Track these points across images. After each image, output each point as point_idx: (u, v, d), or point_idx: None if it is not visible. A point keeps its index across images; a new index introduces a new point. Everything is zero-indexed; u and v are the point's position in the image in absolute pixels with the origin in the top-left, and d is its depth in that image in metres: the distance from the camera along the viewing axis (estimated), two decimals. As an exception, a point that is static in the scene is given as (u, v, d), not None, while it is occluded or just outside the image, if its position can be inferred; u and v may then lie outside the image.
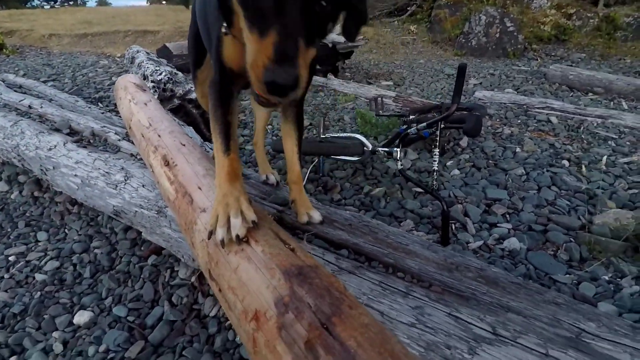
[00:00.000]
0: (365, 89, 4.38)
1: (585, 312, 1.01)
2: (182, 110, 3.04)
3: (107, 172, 1.56)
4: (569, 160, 2.80)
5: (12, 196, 2.02)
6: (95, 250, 1.62)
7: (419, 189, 2.31)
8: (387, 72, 5.80)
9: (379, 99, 2.99)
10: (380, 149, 2.33)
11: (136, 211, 1.44)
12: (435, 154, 2.10)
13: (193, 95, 2.92)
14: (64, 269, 1.54)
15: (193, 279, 1.41)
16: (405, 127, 2.55)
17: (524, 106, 4.03)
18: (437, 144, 2.10)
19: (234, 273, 0.71)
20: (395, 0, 9.36)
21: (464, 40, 7.15)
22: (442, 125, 2.46)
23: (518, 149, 3.00)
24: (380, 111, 3.04)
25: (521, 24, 7.16)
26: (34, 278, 1.50)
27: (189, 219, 0.95)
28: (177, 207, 1.03)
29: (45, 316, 1.33)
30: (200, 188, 1.01)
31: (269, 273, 0.66)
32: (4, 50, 7.53)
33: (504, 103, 4.15)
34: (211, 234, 0.85)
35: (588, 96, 4.54)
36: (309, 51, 0.73)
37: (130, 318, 1.32)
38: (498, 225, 2.04)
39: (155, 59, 3.81)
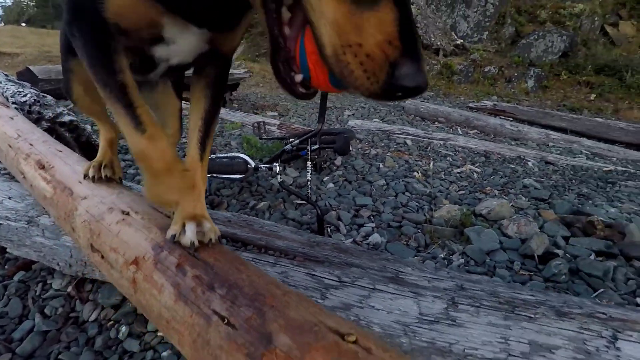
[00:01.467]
0: (251, 118, 4.67)
1: (405, 262, 1.37)
2: (54, 135, 2.84)
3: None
4: (418, 172, 3.46)
5: None
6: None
7: (300, 201, 2.61)
8: (273, 104, 6.24)
9: (262, 123, 3.30)
10: (261, 165, 2.58)
11: (1, 224, 1.38)
12: (308, 167, 2.43)
13: (65, 118, 2.78)
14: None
15: (70, 288, 1.40)
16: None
17: (387, 132, 4.79)
18: (309, 159, 2.44)
19: (116, 237, 0.84)
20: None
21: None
22: (317, 146, 2.85)
23: (381, 165, 3.58)
24: (264, 135, 3.33)
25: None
26: None
27: (69, 208, 1.02)
28: (56, 201, 1.08)
29: None
30: (80, 182, 1.08)
31: (147, 230, 0.81)
32: None
33: (372, 130, 4.88)
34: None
35: (435, 124, 5.62)
36: None
37: (-4, 332, 1.25)
38: (364, 225, 2.44)
39: (16, 81, 3.49)
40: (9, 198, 1.42)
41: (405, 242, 2.29)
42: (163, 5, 0.65)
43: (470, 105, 6.66)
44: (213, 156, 2.85)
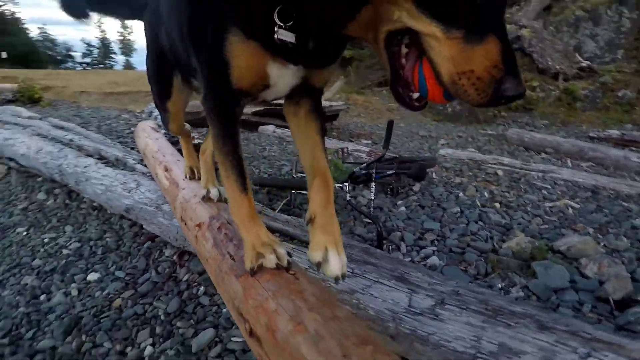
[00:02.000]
0: (344, 145, 5.12)
1: (418, 268, 1.56)
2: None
3: (124, 182, 2.20)
4: (500, 202, 3.38)
5: (48, 203, 2.66)
6: (107, 239, 2.20)
7: (368, 221, 2.88)
8: (369, 133, 6.62)
9: (345, 149, 3.69)
10: (336, 185, 2.96)
11: (141, 207, 2.05)
12: (372, 188, 2.71)
13: (195, 142, 3.64)
14: (82, 249, 2.12)
15: (174, 256, 1.97)
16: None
17: (479, 162, 4.69)
18: (373, 180, 2.72)
19: (194, 212, 1.30)
20: (384, 72, 10.66)
21: (441, 108, 8.12)
22: (393, 171, 3.12)
23: (461, 194, 3.58)
24: (346, 160, 3.72)
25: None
26: (61, 252, 2.07)
27: (175, 194, 1.56)
28: (169, 191, 1.65)
29: (67, 274, 1.89)
30: (183, 179, 1.63)
31: (210, 208, 1.25)
32: (40, 102, 8.65)
33: (462, 159, 4.83)
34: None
35: (540, 155, 5.23)
36: None
37: (127, 278, 1.87)
38: (425, 247, 2.53)
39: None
40: (148, 191, 2.09)
41: (464, 268, 2.27)
42: (269, 49, 0.78)
43: (591, 134, 5.93)
44: (298, 176, 3.35)
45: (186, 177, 1.61)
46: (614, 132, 5.59)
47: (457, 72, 0.60)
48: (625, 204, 3.52)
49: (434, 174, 4.18)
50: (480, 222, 2.94)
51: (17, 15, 46.41)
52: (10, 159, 3.04)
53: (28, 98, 8.55)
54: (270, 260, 0.85)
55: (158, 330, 1.55)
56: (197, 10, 0.86)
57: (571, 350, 1.03)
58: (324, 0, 0.70)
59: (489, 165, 4.58)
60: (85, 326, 1.57)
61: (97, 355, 1.44)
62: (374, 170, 2.77)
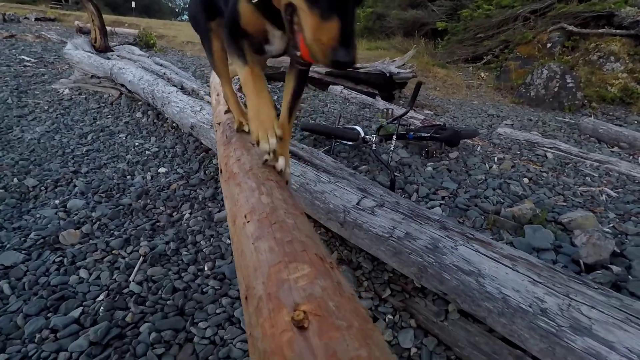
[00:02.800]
0: (400, 111, 5.34)
1: (384, 187, 1.93)
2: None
3: (192, 106, 2.86)
4: (530, 179, 3.43)
5: (143, 120, 3.53)
6: (176, 148, 2.94)
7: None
8: (434, 105, 6.65)
9: (389, 110, 3.99)
10: (367, 136, 3.33)
11: (201, 125, 2.69)
12: (393, 140, 3.03)
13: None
14: (159, 152, 2.89)
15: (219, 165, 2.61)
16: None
17: (534, 143, 4.59)
18: (396, 135, 3.04)
19: (219, 115, 1.85)
20: (475, 49, 10.13)
21: (523, 90, 7.64)
22: (427, 134, 3.38)
23: (494, 166, 3.69)
24: (389, 119, 4.02)
25: (586, 82, 7.41)
26: (145, 152, 2.87)
27: (216, 108, 2.12)
28: (214, 107, 2.22)
29: (146, 165, 2.65)
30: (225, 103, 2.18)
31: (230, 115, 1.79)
32: (154, 48, 10.14)
33: (518, 139, 4.75)
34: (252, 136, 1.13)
35: (612, 149, 4.87)
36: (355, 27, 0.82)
37: (184, 173, 2.56)
38: (435, 200, 2.84)
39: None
40: (208, 114, 2.72)
41: (460, 221, 2.52)
42: (265, 17, 1.05)
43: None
44: (340, 125, 3.77)
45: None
46: None
47: (313, 39, 0.78)
48: (674, 202, 3.31)
49: (479, 147, 4.27)
50: (498, 190, 3.09)
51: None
52: (122, 85, 3.97)
53: (145, 43, 10.06)
54: (272, 144, 1.08)
55: (196, 206, 2.20)
56: None
57: (452, 241, 1.38)
58: None
59: (544, 148, 4.46)
60: (151, 195, 2.28)
61: (155, 212, 2.13)
62: (397, 127, 3.08)
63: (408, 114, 4.47)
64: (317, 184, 1.85)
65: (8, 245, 1.72)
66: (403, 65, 6.45)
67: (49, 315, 1.37)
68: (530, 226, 2.41)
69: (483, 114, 6.37)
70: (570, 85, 7.07)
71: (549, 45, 8.79)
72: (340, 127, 3.66)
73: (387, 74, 6.25)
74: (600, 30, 8.18)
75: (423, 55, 10.14)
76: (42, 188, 2.29)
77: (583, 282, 1.15)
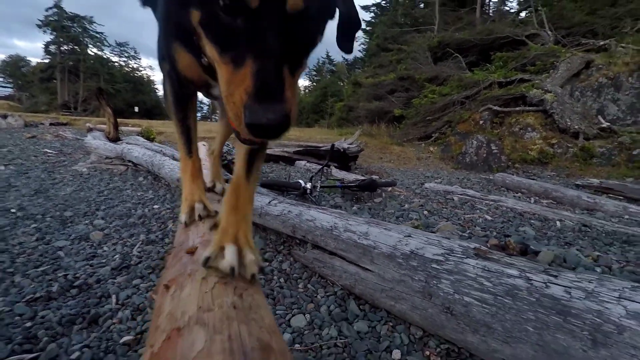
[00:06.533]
0: (349, 175, 6.74)
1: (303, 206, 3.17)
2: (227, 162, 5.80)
3: (178, 167, 4.17)
4: (428, 211, 4.66)
5: (143, 182, 4.83)
6: (167, 195, 4.18)
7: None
8: (383, 171, 8.12)
9: (326, 168, 5.35)
10: (306, 186, 4.62)
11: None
12: (318, 180, 4.32)
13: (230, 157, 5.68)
14: (155, 198, 4.12)
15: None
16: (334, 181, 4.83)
17: (450, 192, 5.90)
18: (322, 174, 4.34)
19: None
20: (425, 129, 12.12)
21: (461, 158, 9.25)
22: (353, 185, 4.70)
23: (406, 205, 4.94)
24: (318, 175, 5.37)
25: (511, 149, 9.08)
26: (144, 198, 4.10)
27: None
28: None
29: (145, 205, 3.87)
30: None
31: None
32: (154, 141, 11.98)
33: (438, 190, 6.07)
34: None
35: (517, 194, 6.18)
36: (296, 77, 0.61)
37: (171, 207, 3.77)
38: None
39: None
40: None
41: None
42: (205, 70, 0.87)
43: (577, 183, 6.65)
44: (292, 181, 5.08)
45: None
46: (594, 181, 6.29)
47: (225, 95, 0.59)
48: (533, 222, 4.47)
49: (402, 195, 5.56)
50: (400, 218, 4.31)
51: (152, 78, 59.16)
52: (129, 161, 5.38)
53: (147, 137, 11.91)
54: (198, 209, 1.09)
55: (176, 221, 3.37)
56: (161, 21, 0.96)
57: (307, 207, 2.58)
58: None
59: (455, 194, 5.75)
60: (147, 217, 3.46)
61: (150, 225, 3.29)
62: (319, 179, 4.40)
63: (347, 174, 5.85)
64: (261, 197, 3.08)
65: (59, 239, 2.86)
66: (352, 143, 8.07)
67: (90, 263, 2.49)
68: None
69: (421, 176, 7.81)
70: (495, 151, 8.70)
71: (481, 122, 10.74)
72: (291, 182, 4.97)
73: (342, 150, 7.82)
74: (517, 108, 10.20)
75: (383, 137, 12.03)
76: (75, 217, 3.46)
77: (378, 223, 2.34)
